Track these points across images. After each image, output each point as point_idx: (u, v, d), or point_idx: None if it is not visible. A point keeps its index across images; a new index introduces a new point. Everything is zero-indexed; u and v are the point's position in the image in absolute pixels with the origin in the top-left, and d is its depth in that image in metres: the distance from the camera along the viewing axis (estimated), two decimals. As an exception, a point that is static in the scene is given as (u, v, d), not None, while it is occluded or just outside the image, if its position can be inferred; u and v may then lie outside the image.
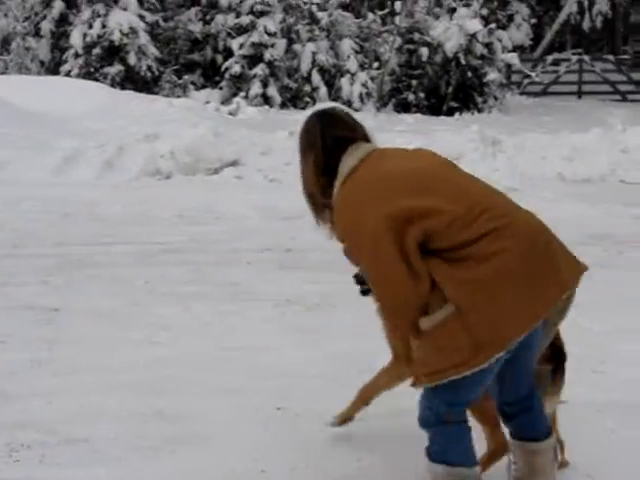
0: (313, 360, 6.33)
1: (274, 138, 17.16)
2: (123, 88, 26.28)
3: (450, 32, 28.97)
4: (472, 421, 4.07)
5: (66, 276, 8.82)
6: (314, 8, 30.36)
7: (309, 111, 18.89)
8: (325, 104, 4.08)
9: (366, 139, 4.08)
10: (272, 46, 28.87)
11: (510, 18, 36.00)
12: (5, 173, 15.35)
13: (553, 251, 3.82)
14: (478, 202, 3.79)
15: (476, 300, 3.64)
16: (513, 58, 30.61)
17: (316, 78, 29.17)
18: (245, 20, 29.21)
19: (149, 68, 28.84)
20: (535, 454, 4.07)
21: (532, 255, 3.73)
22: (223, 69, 29.50)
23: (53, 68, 30.60)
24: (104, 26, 28.61)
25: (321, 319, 7.47)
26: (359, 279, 4.24)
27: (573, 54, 36.68)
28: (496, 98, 30.48)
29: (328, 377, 5.97)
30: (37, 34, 31.64)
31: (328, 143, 3.99)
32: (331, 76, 29.45)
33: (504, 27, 32.90)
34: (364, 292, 4.25)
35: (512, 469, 4.16)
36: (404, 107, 29.51)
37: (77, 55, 29.04)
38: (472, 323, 3.63)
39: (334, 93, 29.10)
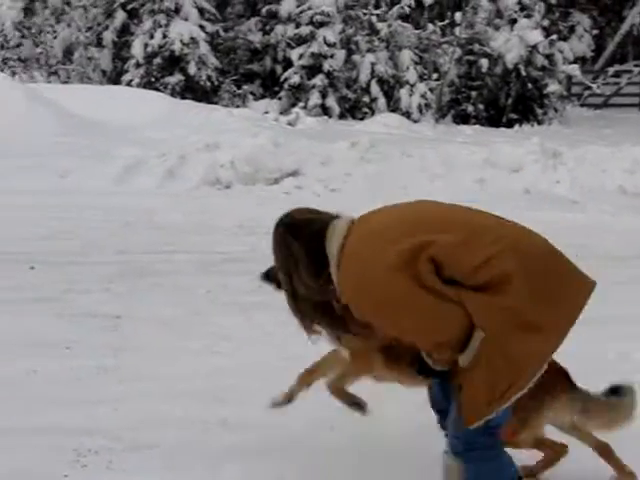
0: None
1: (334, 148, 17.17)
2: (183, 98, 26.48)
3: (510, 43, 28.83)
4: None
5: (128, 284, 8.89)
6: (374, 19, 30.39)
7: (369, 121, 18.75)
8: (284, 212, 4.14)
9: (335, 217, 4.06)
10: (331, 57, 28.91)
11: (571, 29, 35.76)
12: (67, 182, 15.52)
13: (562, 269, 3.84)
14: (474, 230, 3.82)
15: (505, 324, 3.65)
16: (574, 70, 30.39)
17: (375, 89, 29.19)
18: (305, 30, 29.29)
19: (209, 78, 29.03)
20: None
21: (544, 267, 3.77)
22: (282, 79, 29.61)
23: (114, 78, 30.92)
24: (165, 36, 28.85)
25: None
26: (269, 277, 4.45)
27: (635, 66, 36.34)
28: (556, 110, 30.28)
29: (388, 387, 5.95)
30: (99, 44, 32.00)
31: (311, 246, 3.96)
32: (390, 87, 29.45)
33: (565, 38, 32.71)
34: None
35: None
36: (463, 119, 29.42)
37: (138, 65, 29.31)
38: (506, 347, 3.65)
39: (393, 104, 29.09)
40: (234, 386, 5.97)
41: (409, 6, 30.39)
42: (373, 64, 29.25)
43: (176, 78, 28.70)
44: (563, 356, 6.75)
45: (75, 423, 5.27)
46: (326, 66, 28.73)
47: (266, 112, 25.64)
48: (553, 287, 3.74)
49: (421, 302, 3.66)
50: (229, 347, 6.88)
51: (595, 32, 38.01)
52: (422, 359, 3.97)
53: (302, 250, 3.96)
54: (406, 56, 29.61)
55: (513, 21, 29.71)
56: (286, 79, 29.37)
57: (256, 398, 5.71)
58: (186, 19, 29.08)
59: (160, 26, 29.01)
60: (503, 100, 29.55)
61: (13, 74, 29.18)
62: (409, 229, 3.79)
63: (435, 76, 30.23)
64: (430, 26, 31.13)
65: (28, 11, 32.19)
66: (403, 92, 29.10)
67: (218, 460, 4.88)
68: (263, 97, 30.39)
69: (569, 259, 3.89)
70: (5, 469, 4.70)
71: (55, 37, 32.43)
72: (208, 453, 4.95)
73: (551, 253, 3.85)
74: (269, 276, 4.62)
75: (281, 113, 25.99)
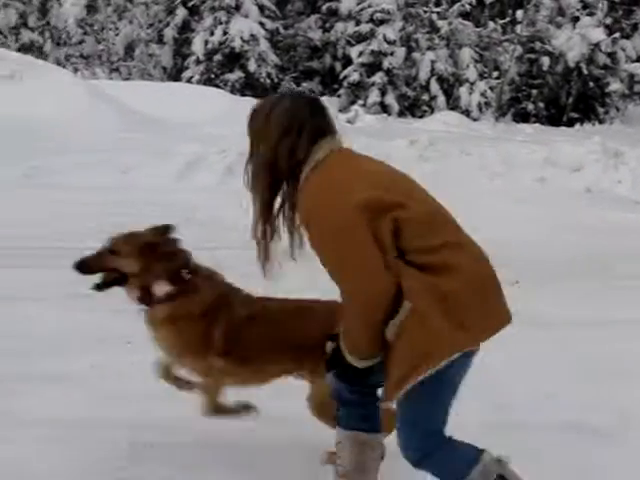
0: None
1: (392, 146, 17.16)
2: (243, 95, 26.62)
3: (572, 41, 28.60)
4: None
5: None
6: (434, 16, 30.30)
7: (428, 119, 18.62)
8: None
9: (335, 132, 4.04)
10: (391, 54, 28.89)
11: (634, 27, 35.27)
12: (129, 178, 15.66)
13: (495, 289, 3.88)
14: (441, 213, 3.89)
15: (435, 304, 3.66)
16: (637, 68, 30.08)
17: (435, 87, 29.13)
18: (365, 28, 29.31)
19: (269, 75, 29.17)
20: (365, 445, 4.20)
21: (486, 279, 3.84)
22: (342, 77, 29.63)
23: (175, 74, 31.18)
24: (225, 33, 29.00)
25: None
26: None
27: (699, 64, 35.79)
28: (618, 109, 30.00)
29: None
30: (160, 41, 32.26)
31: (311, 131, 3.92)
32: (450, 85, 29.38)
33: (628, 36, 32.33)
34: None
35: (337, 466, 4.26)
36: (523, 117, 29.26)
37: (198, 62, 29.51)
38: (429, 323, 3.66)
39: (452, 102, 29.00)
40: (292, 381, 5.95)
41: (470, 4, 30.30)
42: (433, 62, 29.21)
43: (236, 75, 28.85)
44: None
45: (130, 417, 5.31)
46: (386, 64, 28.72)
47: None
48: (487, 298, 3.80)
49: (366, 247, 3.66)
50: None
51: (659, 30, 37.53)
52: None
53: (310, 129, 3.91)
54: (466, 54, 29.51)
55: (575, 19, 29.49)
56: (345, 77, 29.37)
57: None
58: (246, 16, 29.23)
59: (220, 23, 29.21)
60: (564, 99, 29.35)
61: (75, 70, 29.52)
62: (390, 186, 3.81)
63: (495, 74, 30.09)
64: (491, 24, 30.99)
65: (91, 8, 32.56)
66: (463, 90, 29.01)
67: (282, 456, 4.88)
68: (322, 94, 30.44)
69: (500, 287, 3.91)
70: (63, 461, 4.76)
71: (117, 34, 32.77)
72: (267, 447, 4.95)
73: (491, 274, 3.88)
74: (81, 266, 4.79)
75: (340, 111, 26.01)
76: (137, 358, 6.37)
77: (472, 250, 3.85)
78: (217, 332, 4.72)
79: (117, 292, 8.24)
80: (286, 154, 3.90)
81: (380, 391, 4.04)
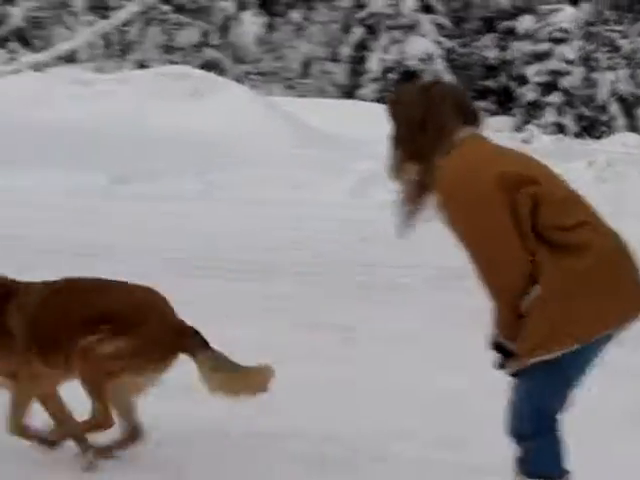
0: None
1: (570, 168, 16.80)
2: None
3: None
4: None
5: (363, 297, 8.93)
6: (615, 35, 29.70)
7: (606, 141, 18.25)
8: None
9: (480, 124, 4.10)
10: (569, 74, 28.44)
11: None
12: (301, 193, 15.84)
13: (636, 269, 3.83)
14: (574, 194, 3.86)
15: (563, 290, 3.66)
16: None
17: (614, 107, 28.52)
18: (542, 47, 28.94)
19: (443, 94, 29.11)
20: None
21: (622, 262, 3.79)
22: (517, 96, 29.33)
23: (349, 91, 31.43)
24: (401, 52, 29.09)
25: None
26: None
27: None
28: None
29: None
30: (336, 59, 32.59)
31: (465, 113, 3.96)
32: (630, 105, 28.71)
33: None
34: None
35: None
36: None
37: (374, 80, 29.68)
38: (550, 312, 3.66)
39: (632, 123, 28.33)
40: (471, 405, 5.86)
41: (653, 22, 29.58)
42: (613, 82, 28.61)
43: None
44: None
45: (316, 431, 5.30)
46: (563, 83, 28.28)
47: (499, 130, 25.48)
48: (626, 279, 3.77)
49: (504, 222, 3.68)
50: (466, 363, 6.73)
51: None
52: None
53: (465, 111, 3.98)
54: (648, 74, 28.83)
55: None
56: (521, 96, 29.07)
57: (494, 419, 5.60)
58: (423, 35, 29.27)
59: (397, 42, 29.29)
60: None
61: (253, 87, 30.09)
62: (527, 164, 3.87)
63: (679, 95, 29.27)
64: (675, 43, 30.19)
65: (269, 27, 33.16)
66: (643, 111, 28.34)
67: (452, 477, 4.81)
68: (496, 114, 30.23)
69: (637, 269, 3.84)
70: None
71: (294, 52, 33.27)
72: (445, 472, 4.87)
73: (629, 255, 3.84)
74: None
75: (515, 130, 25.77)
76: (311, 372, 6.39)
77: (606, 231, 3.82)
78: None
79: (284, 307, 8.30)
80: (439, 125, 3.90)
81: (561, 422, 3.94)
